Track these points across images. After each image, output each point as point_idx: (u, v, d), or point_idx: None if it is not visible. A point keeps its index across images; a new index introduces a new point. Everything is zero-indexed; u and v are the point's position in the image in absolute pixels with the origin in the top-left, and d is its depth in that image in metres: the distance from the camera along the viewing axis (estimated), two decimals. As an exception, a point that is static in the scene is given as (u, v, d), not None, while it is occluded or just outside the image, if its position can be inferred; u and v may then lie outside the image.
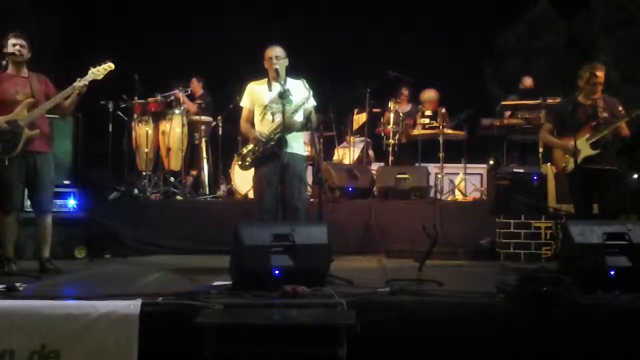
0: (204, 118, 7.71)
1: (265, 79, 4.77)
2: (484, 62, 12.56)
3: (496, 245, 5.81)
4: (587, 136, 4.91)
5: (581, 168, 4.87)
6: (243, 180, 6.73)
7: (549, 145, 5.37)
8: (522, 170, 6.32)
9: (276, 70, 4.64)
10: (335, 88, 9.29)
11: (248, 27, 9.88)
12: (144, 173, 7.31)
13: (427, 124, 7.59)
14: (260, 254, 3.62)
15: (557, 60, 11.89)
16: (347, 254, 5.82)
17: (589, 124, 4.93)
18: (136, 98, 7.30)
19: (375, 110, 8.00)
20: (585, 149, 4.90)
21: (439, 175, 7.18)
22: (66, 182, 6.16)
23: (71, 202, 6.04)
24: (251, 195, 5.71)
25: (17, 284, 3.63)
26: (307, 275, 3.55)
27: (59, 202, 5.82)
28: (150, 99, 7.41)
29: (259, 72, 4.84)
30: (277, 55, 4.69)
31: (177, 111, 7.45)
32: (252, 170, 4.78)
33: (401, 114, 7.66)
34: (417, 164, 7.40)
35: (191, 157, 7.79)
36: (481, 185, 7.76)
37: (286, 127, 4.49)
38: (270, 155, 4.59)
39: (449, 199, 7.26)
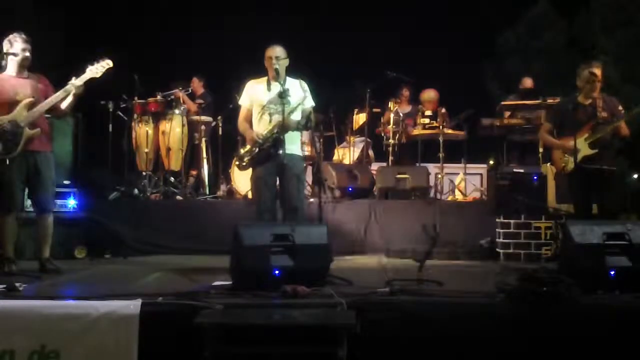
0: (204, 118, 7.72)
1: (265, 78, 4.78)
2: (484, 62, 12.57)
3: (496, 245, 5.81)
4: (585, 136, 4.91)
5: (580, 168, 4.87)
6: (243, 180, 6.73)
7: (548, 145, 5.37)
8: (522, 170, 6.33)
9: (276, 70, 4.64)
10: (335, 88, 9.30)
11: (248, 26, 9.88)
12: (144, 173, 7.30)
13: (427, 124, 7.58)
14: (260, 254, 3.63)
15: (557, 60, 11.89)
16: (347, 254, 5.82)
17: (588, 124, 4.93)
18: (136, 98, 7.30)
19: (375, 110, 8.00)
20: (584, 149, 4.90)
21: (439, 175, 7.18)
22: (66, 182, 6.16)
23: (71, 202, 6.05)
24: (251, 195, 5.71)
25: (17, 284, 3.63)
26: (307, 275, 3.56)
27: (59, 202, 5.83)
28: (150, 99, 7.41)
29: (259, 72, 4.85)
30: (277, 55, 4.69)
31: (177, 111, 7.46)
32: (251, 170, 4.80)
33: (401, 114, 7.66)
34: (417, 164, 7.40)
35: (191, 157, 7.80)
36: (481, 185, 7.76)
37: (283, 127, 4.50)
38: (267, 156, 4.61)
39: (449, 199, 7.26)
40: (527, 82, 7.89)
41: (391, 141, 7.56)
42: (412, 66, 8.45)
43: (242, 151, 4.84)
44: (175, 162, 7.41)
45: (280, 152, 4.49)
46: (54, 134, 5.76)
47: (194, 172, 7.92)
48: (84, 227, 5.92)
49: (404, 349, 3.18)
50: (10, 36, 4.58)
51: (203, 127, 7.65)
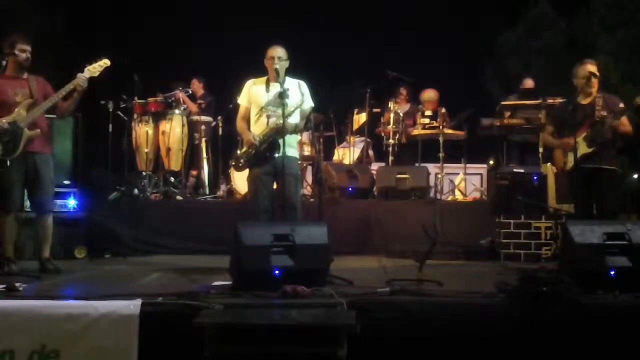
0: (204, 118, 7.72)
1: (264, 78, 4.78)
2: (484, 62, 12.56)
3: (496, 245, 5.80)
4: (584, 135, 4.91)
5: (580, 167, 4.87)
6: (243, 180, 6.70)
7: (549, 146, 5.37)
8: (522, 170, 6.32)
9: (276, 70, 4.64)
10: (335, 88, 9.30)
11: (248, 27, 9.88)
12: (144, 173, 7.30)
13: (427, 124, 7.58)
14: (260, 254, 3.63)
15: (557, 60, 11.88)
16: (347, 254, 5.80)
17: (586, 123, 4.93)
18: (136, 98, 7.29)
19: (375, 110, 8.00)
20: (582, 147, 4.89)
21: (439, 175, 7.17)
22: (66, 182, 6.16)
23: (71, 202, 6.05)
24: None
25: (17, 284, 3.63)
26: (307, 275, 3.55)
27: (59, 202, 5.83)
28: (150, 99, 7.41)
29: (259, 72, 4.85)
30: (279, 56, 4.69)
31: (177, 111, 7.46)
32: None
33: (401, 114, 7.66)
34: (417, 164, 7.39)
35: (191, 157, 7.80)
36: (481, 185, 7.75)
37: (279, 130, 4.50)
38: (264, 158, 4.64)
39: (449, 199, 7.25)
40: (528, 83, 7.88)
41: (391, 141, 7.55)
42: (412, 66, 8.45)
43: (238, 152, 4.89)
44: (175, 162, 7.40)
45: (277, 155, 4.51)
46: (54, 134, 5.77)
47: (194, 172, 7.91)
48: (84, 227, 5.93)
49: (404, 349, 3.18)
50: (10, 37, 4.58)
51: (203, 127, 7.64)
